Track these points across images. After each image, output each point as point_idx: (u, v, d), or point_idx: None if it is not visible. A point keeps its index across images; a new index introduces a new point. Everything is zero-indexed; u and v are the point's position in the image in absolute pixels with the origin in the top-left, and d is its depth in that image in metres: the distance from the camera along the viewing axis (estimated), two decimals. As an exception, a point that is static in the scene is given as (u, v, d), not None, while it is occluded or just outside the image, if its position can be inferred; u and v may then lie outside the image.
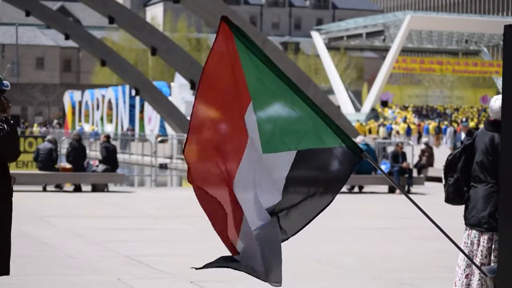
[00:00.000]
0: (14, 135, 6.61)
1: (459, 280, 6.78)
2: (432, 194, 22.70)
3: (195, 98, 5.10)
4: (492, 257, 6.62)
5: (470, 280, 6.74)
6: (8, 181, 6.65)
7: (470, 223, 6.80)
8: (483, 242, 6.71)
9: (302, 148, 5.03)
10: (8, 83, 6.77)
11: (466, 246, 6.82)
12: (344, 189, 22.47)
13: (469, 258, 6.22)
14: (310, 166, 5.07)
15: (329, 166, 5.06)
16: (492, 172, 6.61)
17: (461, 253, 6.82)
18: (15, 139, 6.63)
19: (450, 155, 7.03)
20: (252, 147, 5.08)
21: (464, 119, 22.16)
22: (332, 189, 5.09)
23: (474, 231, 6.75)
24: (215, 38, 5.00)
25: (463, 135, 20.29)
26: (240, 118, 5.04)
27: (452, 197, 6.95)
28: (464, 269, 6.76)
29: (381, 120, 72.16)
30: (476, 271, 6.63)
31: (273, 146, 5.05)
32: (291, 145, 5.03)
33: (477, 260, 6.68)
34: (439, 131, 59.25)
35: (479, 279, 6.62)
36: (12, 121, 6.72)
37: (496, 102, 6.77)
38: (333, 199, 5.12)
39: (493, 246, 6.63)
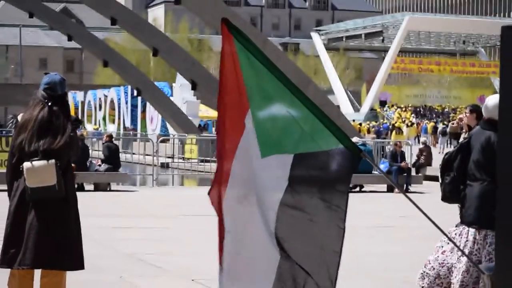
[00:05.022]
0: (77, 135, 7.01)
1: (455, 277, 6.89)
2: (430, 193, 22.72)
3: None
4: (485, 252, 6.73)
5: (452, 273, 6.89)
6: (74, 179, 7.03)
7: (467, 221, 6.85)
8: (480, 240, 6.80)
9: (298, 151, 4.86)
10: None
11: (457, 240, 6.94)
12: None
13: (468, 257, 6.31)
14: (308, 169, 4.90)
15: (328, 168, 4.86)
16: (488, 170, 6.67)
17: (441, 241, 6.96)
18: (78, 138, 7.07)
19: (446, 154, 7.13)
20: (247, 151, 4.91)
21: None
22: (337, 191, 4.84)
23: (471, 230, 6.82)
24: (222, 42, 4.93)
25: None
26: (241, 122, 4.91)
27: (449, 196, 7.02)
28: (462, 266, 6.87)
29: (380, 120, 72.14)
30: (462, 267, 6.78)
31: (271, 148, 4.89)
32: (288, 149, 4.87)
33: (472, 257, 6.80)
34: (436, 131, 59.39)
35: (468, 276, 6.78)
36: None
37: (490, 101, 6.89)
38: (345, 202, 4.86)
39: (488, 243, 6.77)
